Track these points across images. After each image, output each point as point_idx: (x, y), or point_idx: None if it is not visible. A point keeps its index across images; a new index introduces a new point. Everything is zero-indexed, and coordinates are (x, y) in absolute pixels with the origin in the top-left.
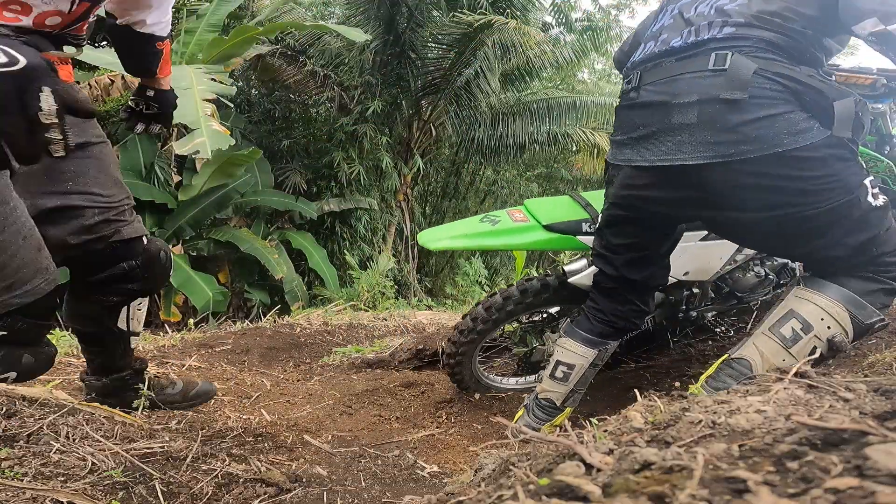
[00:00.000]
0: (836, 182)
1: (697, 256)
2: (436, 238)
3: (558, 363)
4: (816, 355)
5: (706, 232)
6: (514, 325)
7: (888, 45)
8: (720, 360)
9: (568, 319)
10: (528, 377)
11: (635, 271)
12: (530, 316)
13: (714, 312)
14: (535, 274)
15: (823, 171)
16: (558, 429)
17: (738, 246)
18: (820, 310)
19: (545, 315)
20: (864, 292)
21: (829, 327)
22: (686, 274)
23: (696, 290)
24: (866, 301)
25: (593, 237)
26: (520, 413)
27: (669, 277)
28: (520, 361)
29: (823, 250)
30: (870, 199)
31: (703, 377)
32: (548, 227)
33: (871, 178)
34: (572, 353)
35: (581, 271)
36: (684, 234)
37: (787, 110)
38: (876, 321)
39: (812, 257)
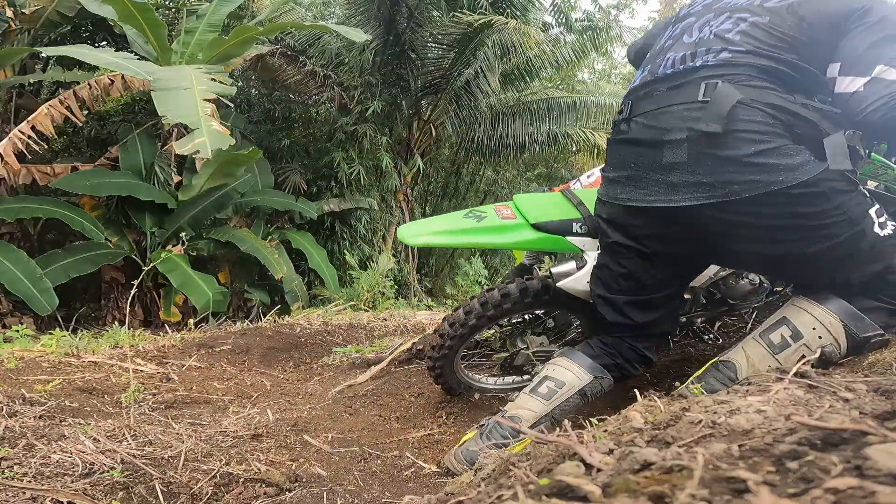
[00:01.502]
0: (840, 215)
1: None
2: (416, 233)
3: (546, 378)
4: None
5: None
6: (494, 330)
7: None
8: (710, 362)
9: (566, 348)
10: (507, 378)
11: (639, 313)
12: (510, 318)
13: (703, 319)
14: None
15: (826, 205)
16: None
17: None
18: (814, 319)
19: (529, 317)
20: (866, 308)
21: (820, 337)
22: None
23: (686, 297)
24: (866, 315)
25: (589, 275)
26: (470, 435)
27: None
28: (502, 365)
29: (833, 279)
30: (877, 229)
31: (690, 378)
32: (536, 226)
33: (877, 206)
34: (566, 371)
35: (570, 274)
36: None
37: (780, 144)
38: (873, 335)
39: (822, 285)
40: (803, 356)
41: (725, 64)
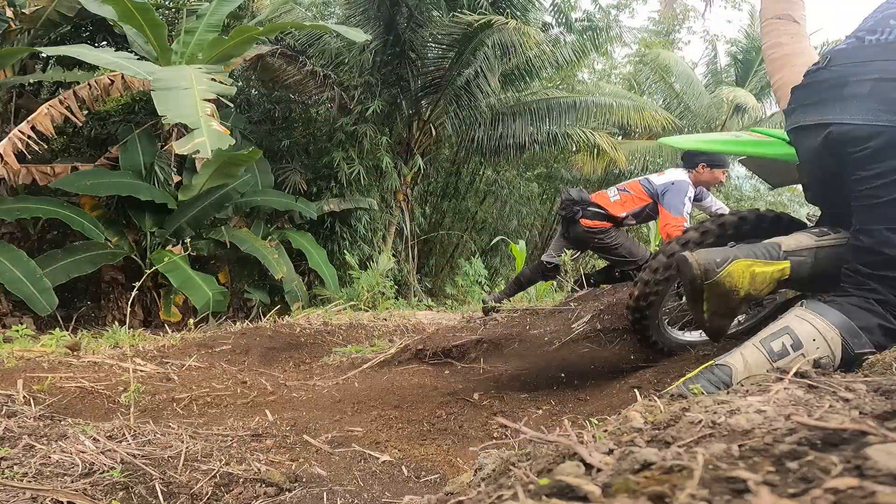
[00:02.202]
0: None
1: None
2: (683, 140)
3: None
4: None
5: None
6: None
7: None
8: (706, 364)
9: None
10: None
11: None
12: None
13: None
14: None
15: None
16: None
17: None
18: (815, 331)
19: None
20: (865, 327)
21: (818, 349)
22: None
23: None
24: (864, 334)
25: None
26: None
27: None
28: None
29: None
30: None
31: (682, 379)
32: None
33: None
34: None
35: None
36: None
37: None
38: (868, 352)
39: (885, 256)
40: (800, 366)
41: None
